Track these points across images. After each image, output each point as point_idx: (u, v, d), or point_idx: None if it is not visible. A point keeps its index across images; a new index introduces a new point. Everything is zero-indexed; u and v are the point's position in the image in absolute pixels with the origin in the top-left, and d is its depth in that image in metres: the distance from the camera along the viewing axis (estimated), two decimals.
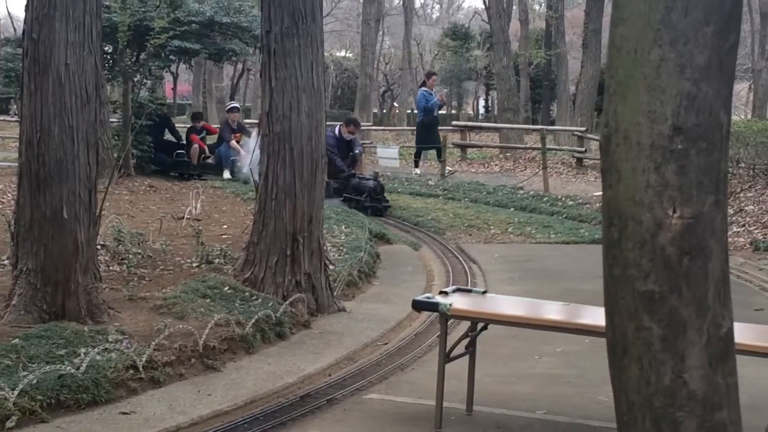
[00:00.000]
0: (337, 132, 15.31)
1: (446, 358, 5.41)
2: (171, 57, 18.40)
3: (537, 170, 18.72)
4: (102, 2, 7.20)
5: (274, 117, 7.97)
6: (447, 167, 19.37)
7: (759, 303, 8.76)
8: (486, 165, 22.49)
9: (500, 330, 6.38)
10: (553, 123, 33.02)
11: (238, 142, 17.29)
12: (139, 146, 16.51)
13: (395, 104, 47.68)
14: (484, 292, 5.93)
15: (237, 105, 19.63)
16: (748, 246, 11.38)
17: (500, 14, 27.74)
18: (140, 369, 5.73)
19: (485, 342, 6.12)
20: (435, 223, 13.45)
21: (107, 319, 6.67)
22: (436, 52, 44.09)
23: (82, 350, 5.71)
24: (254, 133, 15.24)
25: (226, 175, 16.78)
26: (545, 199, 16.12)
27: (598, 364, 6.15)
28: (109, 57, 16.35)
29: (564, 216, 14.42)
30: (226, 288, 7.65)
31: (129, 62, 16.18)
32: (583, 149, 21.83)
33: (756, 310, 8.35)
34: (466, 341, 5.63)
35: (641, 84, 2.88)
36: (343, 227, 11.29)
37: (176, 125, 19.45)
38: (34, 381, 5.17)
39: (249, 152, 13.94)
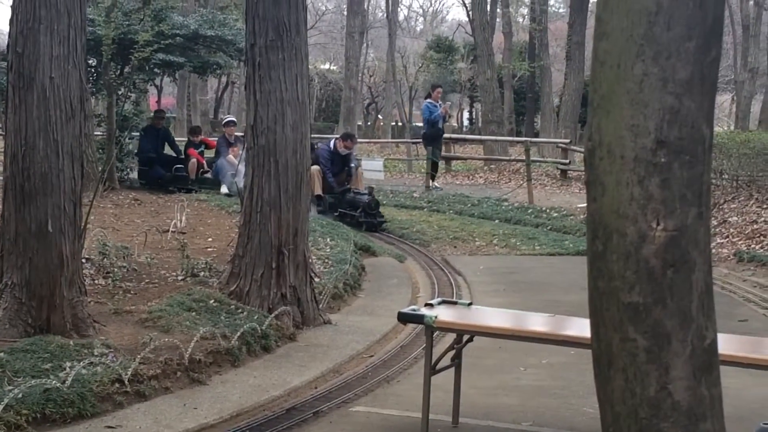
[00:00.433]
0: (332, 146, 15.04)
1: (432, 370, 5.42)
2: (155, 70, 18.36)
3: (521, 182, 18.77)
4: (86, 16, 7.20)
5: (258, 130, 7.97)
6: (435, 183, 19.42)
7: (743, 314, 8.81)
8: (470, 177, 22.55)
9: (486, 342, 6.40)
10: (537, 135, 33.19)
11: (235, 156, 17.08)
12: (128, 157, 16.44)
13: (380, 116, 47.73)
14: (470, 304, 5.93)
15: (234, 119, 19.29)
16: (732, 257, 11.44)
17: (484, 27, 27.88)
18: (126, 383, 5.71)
19: (471, 354, 6.14)
20: (420, 235, 13.44)
21: (93, 333, 6.65)
22: (420, 65, 44.11)
23: (68, 364, 5.70)
24: (240, 146, 15.11)
25: (224, 190, 16.20)
26: (530, 210, 16.17)
27: (583, 375, 6.22)
28: (93, 70, 16.36)
29: (548, 228, 14.47)
30: (212, 301, 7.64)
31: (113, 75, 16.15)
32: (567, 161, 21.94)
33: (740, 321, 8.40)
34: (451, 353, 5.64)
35: (624, 98, 2.90)
36: (328, 240, 11.28)
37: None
38: (20, 395, 5.14)
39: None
